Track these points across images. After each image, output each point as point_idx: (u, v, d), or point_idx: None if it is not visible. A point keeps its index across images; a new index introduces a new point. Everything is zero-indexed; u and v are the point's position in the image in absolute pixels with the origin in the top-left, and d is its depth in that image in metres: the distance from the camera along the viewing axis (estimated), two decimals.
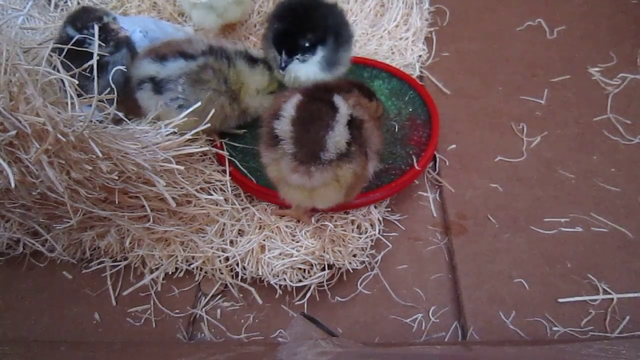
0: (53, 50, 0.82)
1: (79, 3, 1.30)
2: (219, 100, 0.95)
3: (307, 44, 0.94)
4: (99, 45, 0.89)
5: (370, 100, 0.89)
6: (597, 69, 1.28)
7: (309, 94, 0.81)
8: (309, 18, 0.94)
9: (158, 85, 0.93)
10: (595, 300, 0.92)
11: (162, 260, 0.95)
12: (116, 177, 0.80)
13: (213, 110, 0.93)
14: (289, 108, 0.78)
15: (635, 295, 0.92)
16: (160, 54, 0.94)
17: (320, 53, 0.96)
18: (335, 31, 0.96)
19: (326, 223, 0.95)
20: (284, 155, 0.77)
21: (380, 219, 1.00)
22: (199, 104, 0.92)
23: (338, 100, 0.79)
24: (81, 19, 0.95)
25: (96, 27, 0.84)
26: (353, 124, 0.79)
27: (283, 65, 0.94)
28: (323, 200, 0.84)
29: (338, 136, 0.77)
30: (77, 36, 0.90)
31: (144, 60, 0.95)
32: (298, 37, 0.93)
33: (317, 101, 0.79)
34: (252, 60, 1.00)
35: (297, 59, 0.95)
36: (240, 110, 1.00)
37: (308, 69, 0.97)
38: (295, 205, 0.92)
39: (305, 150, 0.76)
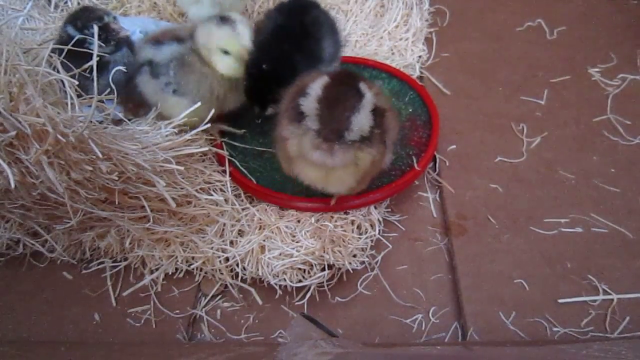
0: (53, 50, 0.82)
1: (79, 3, 1.30)
2: (206, 83, 0.94)
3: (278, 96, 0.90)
4: (100, 45, 0.90)
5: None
6: (597, 69, 1.28)
7: (335, 77, 0.80)
8: (277, 73, 0.91)
9: (154, 69, 0.94)
10: (596, 300, 0.92)
11: (162, 260, 0.95)
12: (116, 178, 0.80)
13: (213, 111, 0.93)
14: (316, 87, 0.77)
15: (636, 295, 0.92)
16: (158, 39, 0.95)
17: None
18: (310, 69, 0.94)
19: (326, 223, 0.95)
20: (307, 131, 0.76)
21: (380, 219, 1.00)
22: (199, 104, 0.92)
23: (364, 87, 0.79)
24: (81, 18, 0.95)
25: (96, 27, 0.84)
26: (376, 112, 0.79)
27: (259, 116, 0.98)
28: (337, 184, 0.83)
29: (363, 119, 0.76)
30: (78, 36, 0.91)
31: (145, 45, 0.96)
32: (267, 93, 0.93)
33: (344, 85, 0.79)
34: (223, 19, 0.93)
35: (272, 107, 0.94)
36: (219, 98, 0.96)
37: None
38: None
39: (330, 128, 0.75)
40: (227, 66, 0.94)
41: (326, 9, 1.06)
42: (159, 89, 0.94)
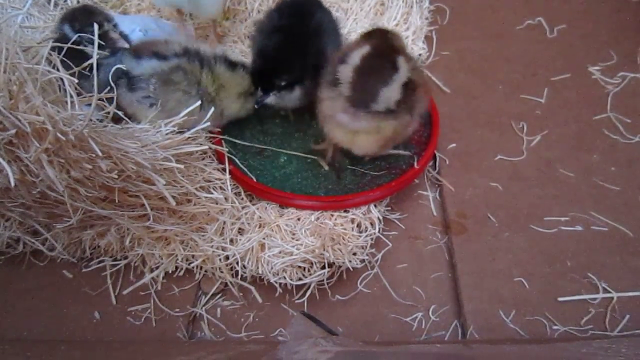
0: (52, 48, 0.81)
1: (78, 2, 1.29)
2: (188, 103, 0.94)
3: (283, 83, 0.95)
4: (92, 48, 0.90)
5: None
6: (597, 67, 1.28)
7: (377, 47, 0.86)
8: (287, 59, 0.94)
9: (131, 82, 0.94)
10: (595, 299, 0.92)
11: (162, 259, 0.95)
12: (116, 176, 0.80)
13: (212, 109, 0.94)
14: (355, 57, 0.84)
15: (635, 294, 0.92)
16: (137, 52, 0.95)
17: (297, 91, 0.97)
18: (314, 67, 0.96)
19: (326, 221, 0.95)
20: (339, 96, 0.84)
21: (381, 217, 1.00)
22: (198, 102, 0.92)
23: (401, 61, 0.85)
24: (80, 20, 0.94)
25: (96, 26, 0.83)
26: (408, 86, 0.85)
27: (258, 100, 0.97)
28: (360, 146, 0.90)
29: (391, 92, 0.83)
30: (75, 37, 0.90)
31: (123, 56, 0.96)
32: (274, 77, 0.95)
33: (382, 57, 0.85)
34: (231, 65, 0.99)
35: (274, 94, 0.97)
36: (216, 113, 0.98)
37: (285, 101, 0.99)
38: (330, 140, 0.97)
39: (359, 96, 0.83)
40: (244, 107, 1.03)
41: (328, 8, 1.07)
42: (134, 100, 0.94)
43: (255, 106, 0.99)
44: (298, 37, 0.96)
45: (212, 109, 0.94)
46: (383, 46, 0.88)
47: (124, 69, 0.92)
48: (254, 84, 0.98)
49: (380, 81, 0.83)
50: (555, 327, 0.89)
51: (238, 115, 1.04)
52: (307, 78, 0.96)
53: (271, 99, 0.98)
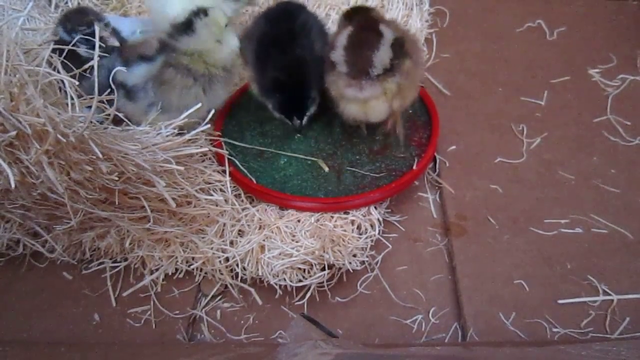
0: (52, 51, 0.82)
1: (79, 3, 1.30)
2: (190, 93, 0.94)
3: (312, 107, 1.01)
4: (86, 51, 0.92)
5: None
6: (597, 70, 1.28)
7: (359, 25, 0.94)
8: (308, 82, 0.97)
9: (130, 95, 0.94)
10: (595, 301, 0.92)
11: (162, 261, 0.95)
12: (116, 178, 0.81)
13: (213, 111, 0.94)
14: (342, 39, 0.91)
15: (636, 296, 0.92)
16: (125, 60, 0.95)
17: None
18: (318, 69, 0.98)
19: (326, 223, 0.95)
20: (340, 76, 0.91)
21: (380, 219, 1.00)
22: (199, 104, 0.92)
23: (383, 27, 0.92)
24: (72, 21, 0.94)
25: (96, 27, 0.84)
26: (396, 44, 0.91)
27: (300, 129, 1.03)
28: (374, 113, 0.95)
29: (382, 55, 0.89)
30: (68, 38, 0.90)
31: (115, 64, 0.95)
32: (305, 104, 1.00)
33: (366, 30, 0.92)
34: (187, 25, 0.93)
35: (307, 115, 1.01)
36: (224, 82, 0.98)
37: None
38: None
39: (356, 68, 0.89)
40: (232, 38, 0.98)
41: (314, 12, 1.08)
42: (142, 111, 0.94)
43: (298, 135, 1.05)
44: (303, 51, 0.98)
45: (213, 110, 0.94)
46: (363, 21, 0.94)
47: (124, 69, 0.91)
48: (288, 117, 1.01)
49: (370, 49, 0.89)
50: (555, 330, 0.89)
51: (234, 54, 0.99)
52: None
53: (306, 120, 1.01)
